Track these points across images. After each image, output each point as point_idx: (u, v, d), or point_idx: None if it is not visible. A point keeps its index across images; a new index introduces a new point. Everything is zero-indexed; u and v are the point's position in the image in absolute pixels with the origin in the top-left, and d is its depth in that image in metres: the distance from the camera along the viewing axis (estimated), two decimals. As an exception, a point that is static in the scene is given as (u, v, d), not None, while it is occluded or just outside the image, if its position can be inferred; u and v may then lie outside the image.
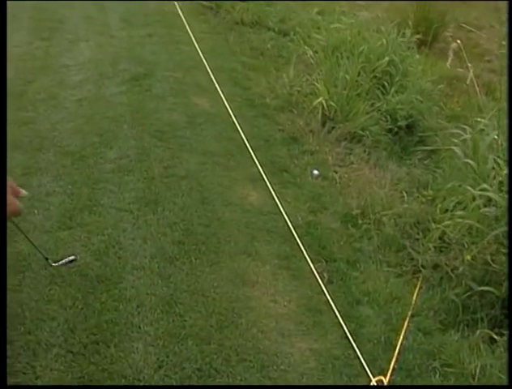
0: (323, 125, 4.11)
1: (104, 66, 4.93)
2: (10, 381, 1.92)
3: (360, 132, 3.99)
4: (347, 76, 4.28)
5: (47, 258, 2.35)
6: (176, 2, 6.16)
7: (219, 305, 2.39)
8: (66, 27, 5.96)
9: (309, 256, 2.76)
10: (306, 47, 5.04)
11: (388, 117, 4.16)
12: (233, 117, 4.10)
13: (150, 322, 2.25)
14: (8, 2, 5.76)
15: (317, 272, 2.67)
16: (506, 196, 2.60)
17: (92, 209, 2.97)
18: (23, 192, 1.36)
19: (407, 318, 2.47)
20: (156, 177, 3.34)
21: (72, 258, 2.49)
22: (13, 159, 3.39)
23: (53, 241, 2.68)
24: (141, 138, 3.78)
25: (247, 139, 3.81)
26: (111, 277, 2.49)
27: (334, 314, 2.43)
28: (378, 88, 4.40)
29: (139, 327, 2.22)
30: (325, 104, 4.14)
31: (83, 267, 2.53)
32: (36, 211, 2.91)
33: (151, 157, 3.56)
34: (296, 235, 2.91)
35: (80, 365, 2.01)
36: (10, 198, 1.29)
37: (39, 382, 1.94)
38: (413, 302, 2.57)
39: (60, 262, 2.43)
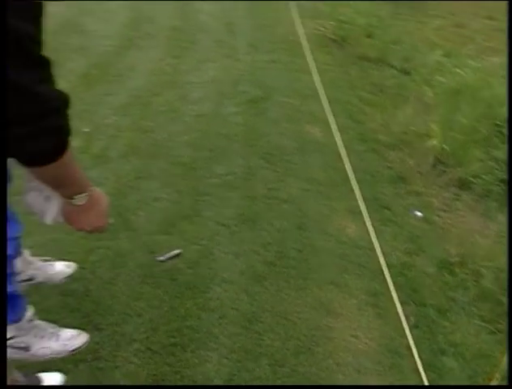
0: (434, 167, 3.99)
1: (225, 86, 5.12)
2: (94, 365, 2.02)
3: (471, 179, 3.82)
4: (464, 121, 4.13)
5: (153, 253, 2.46)
6: (302, 33, 6.28)
7: (299, 331, 2.37)
8: (197, 48, 6.27)
9: (398, 297, 2.68)
10: (426, 87, 4.93)
11: (504, 166, 3.95)
12: (343, 148, 4.08)
13: (228, 334, 2.28)
14: (149, 24, 6.15)
15: (404, 315, 2.58)
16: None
17: (193, 219, 3.07)
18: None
19: (494, 380, 2.31)
20: (258, 197, 3.40)
21: (178, 251, 2.58)
22: (128, 163, 3.60)
23: (151, 244, 2.80)
24: (249, 157, 3.87)
25: (353, 172, 3.78)
26: (199, 286, 2.55)
27: (415, 360, 2.33)
28: (497, 136, 4.21)
29: (217, 338, 2.25)
30: (438, 147, 4.02)
31: (174, 272, 2.61)
32: (141, 213, 3.06)
33: (257, 177, 3.63)
34: (388, 274, 2.83)
35: (156, 363, 2.07)
36: (104, 211, 1.38)
37: (117, 372, 2.02)
38: (503, 363, 2.40)
39: (166, 256, 2.53)
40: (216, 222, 3.08)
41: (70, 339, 2.05)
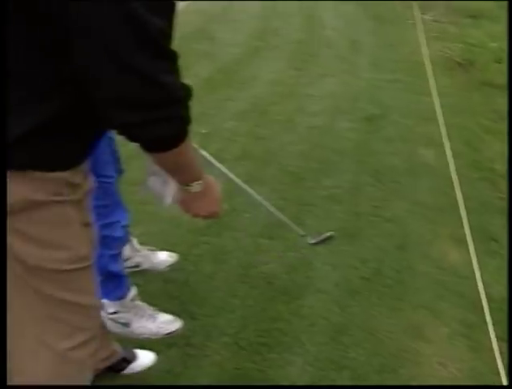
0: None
1: (342, 101, 5.15)
2: (184, 350, 2.13)
3: None
4: None
5: (303, 235, 2.46)
6: (426, 54, 6.16)
7: (386, 349, 2.35)
8: (318, 62, 6.35)
9: (494, 332, 2.57)
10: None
11: None
12: (455, 174, 3.97)
13: (315, 343, 2.31)
14: (275, 36, 6.31)
15: (500, 352, 2.47)
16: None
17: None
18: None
19: None
20: (362, 213, 3.40)
21: (330, 234, 2.55)
22: (241, 166, 3.74)
23: (253, 245, 2.90)
24: (358, 173, 3.88)
25: (463, 199, 3.66)
26: (293, 292, 2.61)
27: (506, 399, 2.23)
28: None
29: (304, 344, 2.29)
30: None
31: (271, 276, 2.69)
32: (246, 215, 3.17)
33: (363, 194, 3.63)
34: (487, 307, 2.72)
35: (242, 358, 2.15)
36: (218, 197, 1.45)
37: (205, 361, 2.13)
38: None
39: (318, 239, 2.52)
40: (321, 233, 3.12)
41: (166, 323, 2.19)
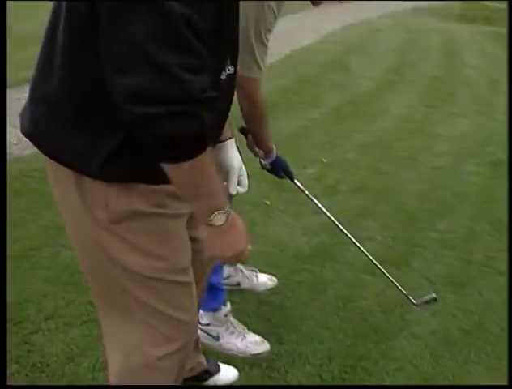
0: None
1: (471, 143, 4.96)
2: (266, 373, 2.18)
3: None
4: None
5: (407, 296, 2.43)
6: None
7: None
8: (453, 101, 6.17)
9: None
10: None
11: None
12: None
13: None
14: (411, 71, 6.23)
15: None
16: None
17: (400, 267, 3.06)
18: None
19: None
20: (474, 261, 3.25)
21: (433, 296, 2.47)
22: (355, 199, 3.75)
23: (352, 279, 2.89)
24: (476, 220, 3.71)
25: None
26: (386, 332, 2.55)
27: None
28: None
29: (387, 387, 2.24)
30: None
31: (366, 312, 2.65)
32: (351, 249, 3.16)
33: (478, 242, 3.46)
34: None
35: (322, 389, 2.16)
36: (244, 233, 1.27)
37: (285, 387, 2.16)
38: None
39: (421, 301, 2.45)
40: (423, 276, 3.03)
41: (254, 343, 2.25)
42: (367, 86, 6.49)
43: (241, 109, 2.02)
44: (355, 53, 8.05)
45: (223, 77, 1.26)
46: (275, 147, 2.22)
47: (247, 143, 2.22)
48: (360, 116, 5.49)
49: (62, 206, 1.29)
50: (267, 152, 2.19)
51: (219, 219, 1.18)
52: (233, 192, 1.51)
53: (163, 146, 1.06)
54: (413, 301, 2.42)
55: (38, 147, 1.23)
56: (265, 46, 1.90)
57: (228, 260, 1.28)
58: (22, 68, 4.86)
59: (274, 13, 1.84)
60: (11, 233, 3.02)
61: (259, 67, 1.92)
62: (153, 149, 1.08)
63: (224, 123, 1.42)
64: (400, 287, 2.41)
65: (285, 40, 9.35)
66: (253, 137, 2.16)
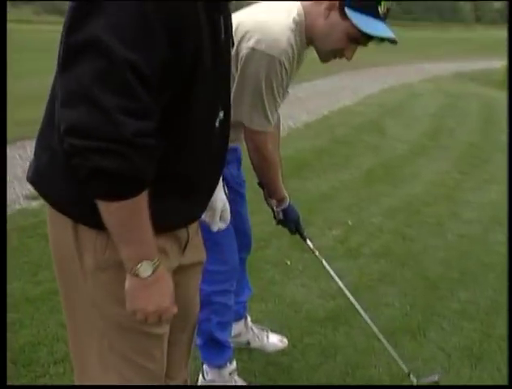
0: None
1: (502, 212, 4.87)
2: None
3: None
4: None
5: (409, 374, 2.38)
6: None
7: None
8: (487, 168, 6.13)
9: None
10: None
11: None
12: None
13: None
14: (447, 136, 6.23)
15: None
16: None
17: (415, 336, 3.01)
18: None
19: None
20: (495, 336, 3.15)
21: (436, 380, 2.40)
22: (377, 263, 3.74)
23: (364, 345, 2.84)
24: (501, 292, 3.62)
25: None
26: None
27: None
28: None
29: None
30: None
31: (375, 380, 2.61)
32: (368, 314, 3.13)
33: (501, 315, 3.36)
34: None
35: None
36: (171, 290, 1.26)
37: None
38: None
39: (423, 381, 2.39)
40: (438, 347, 2.97)
41: None
42: (401, 149, 6.53)
43: (251, 161, 2.08)
44: (392, 116, 8.12)
45: (217, 124, 1.32)
46: (288, 196, 2.24)
47: (264, 196, 2.27)
48: (391, 179, 5.51)
49: (55, 245, 1.34)
50: (280, 201, 2.22)
51: (145, 269, 1.17)
52: (215, 229, 1.56)
53: (94, 180, 1.08)
54: (414, 381, 2.35)
55: (40, 194, 1.31)
56: (275, 100, 1.95)
57: (149, 316, 1.23)
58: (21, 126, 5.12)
59: (285, 69, 1.89)
60: (36, 275, 3.15)
61: (268, 121, 1.97)
62: (86, 182, 1.10)
63: (221, 169, 1.46)
64: (403, 364, 2.37)
65: (324, 100, 9.57)
66: (265, 187, 2.20)
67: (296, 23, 1.90)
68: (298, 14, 1.91)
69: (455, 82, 13.45)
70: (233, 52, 1.80)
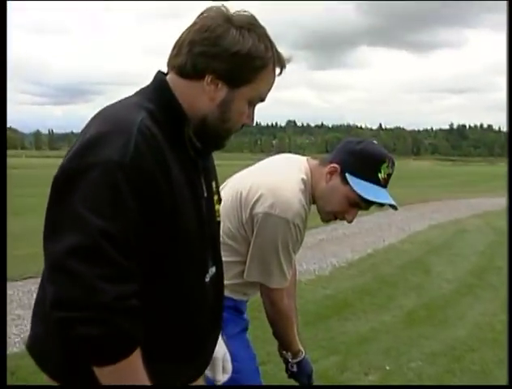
0: None
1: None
2: None
3: None
4: None
5: None
6: None
7: None
8: None
9: None
10: None
11: None
12: None
13: None
14: (495, 275, 6.06)
15: None
16: None
17: None
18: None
19: None
20: None
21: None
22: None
23: None
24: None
25: None
26: None
27: None
28: None
29: None
30: None
31: None
32: None
33: None
34: None
35: None
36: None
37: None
38: None
39: None
40: None
41: None
42: (446, 289, 6.37)
43: (266, 314, 2.07)
44: (438, 254, 8.01)
45: (207, 279, 1.35)
46: (303, 350, 2.18)
47: (278, 347, 2.22)
48: (434, 321, 5.33)
49: None
50: (295, 354, 2.15)
51: None
52: (219, 380, 1.54)
53: (83, 348, 1.11)
54: None
55: (36, 363, 1.34)
56: (291, 257, 1.98)
57: None
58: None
59: (299, 229, 1.93)
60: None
61: (285, 278, 1.99)
62: (78, 350, 1.13)
63: (217, 322, 1.46)
64: None
65: (369, 238, 9.60)
66: (279, 340, 2.16)
67: (305, 183, 1.98)
68: (306, 174, 2.00)
69: (505, 217, 13.25)
70: (247, 215, 1.93)
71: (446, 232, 9.97)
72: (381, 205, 1.91)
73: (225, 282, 2.02)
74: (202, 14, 1.30)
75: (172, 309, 1.30)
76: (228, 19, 1.27)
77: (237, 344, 2.07)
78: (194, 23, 1.29)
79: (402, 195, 17.75)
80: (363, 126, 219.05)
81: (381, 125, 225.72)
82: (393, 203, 1.90)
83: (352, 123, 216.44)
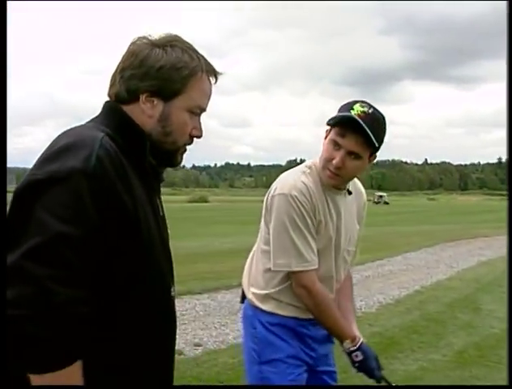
0: None
1: None
2: None
3: None
4: None
5: None
6: None
7: None
8: None
9: None
10: None
11: None
12: None
13: None
14: None
15: None
16: None
17: None
18: None
19: None
20: None
21: None
22: None
23: None
24: None
25: None
26: None
27: None
28: None
29: None
30: None
31: None
32: None
33: None
34: None
35: None
36: None
37: None
38: None
39: None
40: None
41: None
42: (498, 328, 6.11)
43: (308, 308, 2.02)
44: (487, 291, 7.75)
45: (172, 293, 1.36)
46: (359, 334, 2.11)
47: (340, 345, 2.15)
48: (486, 361, 5.12)
49: None
50: (353, 340, 2.05)
51: None
52: None
53: (27, 349, 1.07)
54: None
55: None
56: (305, 237, 1.98)
57: None
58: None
59: (300, 202, 1.97)
60: None
61: (305, 259, 1.98)
62: (20, 353, 1.08)
63: (173, 335, 1.43)
64: None
65: (416, 275, 9.39)
66: (329, 330, 2.08)
67: (308, 166, 2.09)
68: (312, 162, 2.10)
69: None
70: (268, 211, 2.04)
71: (496, 269, 9.64)
72: (346, 123, 1.93)
73: (269, 291, 2.03)
74: (129, 45, 1.35)
75: (142, 323, 1.28)
76: (151, 43, 1.32)
77: (270, 373, 2.05)
78: (123, 54, 1.35)
79: (449, 231, 17.39)
80: (408, 161, 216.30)
81: (426, 160, 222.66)
82: (349, 115, 1.92)
83: (396, 158, 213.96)
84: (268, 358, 2.05)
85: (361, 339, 2.07)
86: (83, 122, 1.34)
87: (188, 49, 1.33)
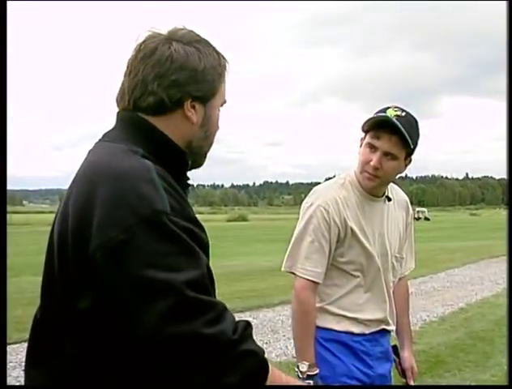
0: None
1: None
2: None
3: None
4: None
5: None
6: None
7: None
8: None
9: None
10: None
11: None
12: None
13: None
14: None
15: None
16: None
17: None
18: None
19: None
20: None
21: None
22: None
23: None
24: None
25: None
26: None
27: None
28: None
29: None
30: None
31: None
32: None
33: None
34: None
35: None
36: None
37: None
38: None
39: None
40: None
41: None
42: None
43: (291, 313, 2.06)
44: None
45: None
46: (412, 353, 2.11)
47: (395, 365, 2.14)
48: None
49: None
50: (312, 366, 1.96)
51: None
52: None
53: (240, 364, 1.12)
54: None
55: None
56: (318, 249, 1.99)
57: None
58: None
59: (325, 210, 1.98)
60: None
61: (307, 267, 1.98)
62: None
63: None
64: None
65: (460, 291, 9.14)
66: (295, 342, 2.05)
67: (342, 178, 2.10)
68: (347, 174, 2.11)
69: None
70: None
71: (545, 285, 9.29)
72: (382, 125, 1.93)
73: (322, 304, 2.05)
74: (143, 46, 1.21)
75: None
76: (181, 42, 1.21)
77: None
78: (144, 58, 1.20)
79: (493, 247, 16.83)
80: (448, 176, 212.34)
81: (467, 174, 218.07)
82: (384, 116, 1.92)
83: (436, 174, 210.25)
84: (321, 375, 2.03)
85: (317, 370, 1.97)
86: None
87: (207, 42, 1.26)
